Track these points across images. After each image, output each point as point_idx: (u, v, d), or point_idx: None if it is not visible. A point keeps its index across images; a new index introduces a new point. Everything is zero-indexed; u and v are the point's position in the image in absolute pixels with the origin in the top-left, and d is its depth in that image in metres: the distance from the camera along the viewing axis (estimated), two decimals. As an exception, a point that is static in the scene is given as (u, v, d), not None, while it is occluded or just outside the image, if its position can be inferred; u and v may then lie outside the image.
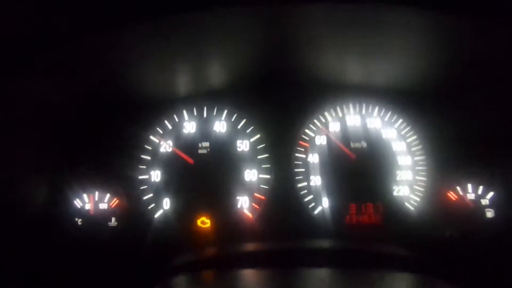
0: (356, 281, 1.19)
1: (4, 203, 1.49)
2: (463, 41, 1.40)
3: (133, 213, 1.77)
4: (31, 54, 1.23)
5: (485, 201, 1.78)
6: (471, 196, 1.79)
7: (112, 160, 1.80)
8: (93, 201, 1.78)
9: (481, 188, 1.79)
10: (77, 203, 1.77)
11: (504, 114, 1.72)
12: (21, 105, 1.47)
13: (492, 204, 1.78)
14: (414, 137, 1.84)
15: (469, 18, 1.24)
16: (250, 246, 1.47)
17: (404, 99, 1.86)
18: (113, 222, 1.77)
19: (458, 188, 1.80)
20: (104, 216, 1.77)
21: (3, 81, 1.27)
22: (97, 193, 1.78)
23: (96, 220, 1.76)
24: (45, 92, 1.53)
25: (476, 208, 1.77)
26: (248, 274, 1.20)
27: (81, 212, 1.76)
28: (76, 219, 1.76)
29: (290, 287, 1.13)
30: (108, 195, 1.78)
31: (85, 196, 1.78)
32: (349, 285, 1.19)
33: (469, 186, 1.80)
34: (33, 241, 1.64)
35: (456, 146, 1.80)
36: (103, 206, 1.78)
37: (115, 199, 1.78)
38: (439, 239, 1.67)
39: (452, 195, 1.79)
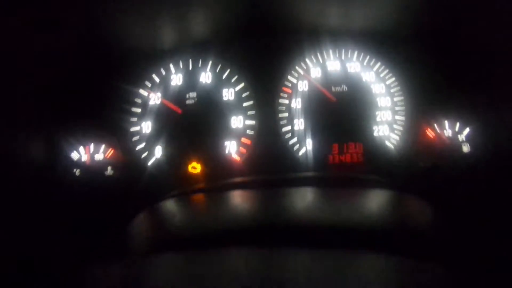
0: (336, 195, 1.28)
1: (4, 159, 1.59)
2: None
3: (128, 162, 1.87)
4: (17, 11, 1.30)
5: (461, 137, 1.87)
6: (448, 132, 1.88)
7: (105, 114, 1.88)
8: (89, 153, 1.87)
9: (457, 124, 1.88)
10: (74, 155, 1.87)
11: (473, 55, 1.79)
12: (14, 68, 1.55)
13: (468, 139, 1.86)
14: (393, 79, 1.91)
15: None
16: (236, 179, 1.57)
17: (382, 43, 1.92)
18: (109, 171, 1.87)
19: (435, 125, 1.88)
20: (100, 166, 1.86)
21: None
22: (92, 144, 1.88)
23: (92, 170, 1.85)
24: (35, 50, 1.60)
25: (453, 144, 1.86)
26: (235, 194, 1.30)
27: (78, 163, 1.86)
28: (74, 170, 1.86)
29: (276, 200, 1.22)
30: (103, 146, 1.88)
31: (81, 148, 1.87)
32: (329, 198, 1.28)
33: (446, 123, 1.88)
34: (34, 193, 1.74)
35: (433, 86, 1.87)
36: (98, 157, 1.87)
37: (110, 149, 1.88)
38: (416, 171, 1.77)
39: (430, 133, 1.88)
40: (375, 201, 1.18)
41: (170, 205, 1.26)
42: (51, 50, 1.66)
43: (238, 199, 1.25)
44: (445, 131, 1.88)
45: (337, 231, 0.81)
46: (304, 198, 1.16)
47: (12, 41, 1.48)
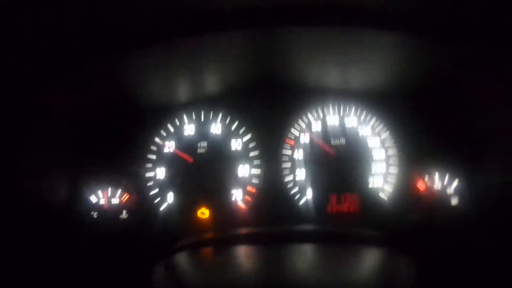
0: (334, 253, 1.43)
1: (30, 201, 1.74)
2: (421, 58, 1.67)
3: (142, 207, 2.02)
4: (59, 75, 1.49)
5: (450, 190, 2.02)
6: (438, 185, 2.03)
7: (123, 160, 2.05)
8: (106, 197, 2.03)
9: (447, 177, 2.03)
10: (93, 199, 2.03)
11: (463, 114, 1.96)
12: (45, 119, 1.74)
13: (457, 192, 2.01)
14: (387, 133, 2.08)
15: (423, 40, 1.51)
16: (242, 230, 1.72)
17: (377, 100, 2.09)
18: (124, 214, 2.01)
19: (426, 178, 2.04)
20: (116, 209, 2.01)
21: (37, 95, 1.54)
22: (110, 189, 2.04)
23: (109, 214, 2.00)
24: (67, 105, 1.79)
25: (442, 196, 2.01)
26: (241, 249, 1.45)
27: (96, 207, 2.01)
28: (92, 213, 2.01)
29: (278, 257, 1.37)
30: (119, 191, 2.03)
31: (99, 192, 2.03)
32: (327, 257, 1.43)
33: (436, 176, 2.04)
34: (55, 233, 1.89)
35: (425, 140, 2.04)
36: (115, 201, 2.02)
37: (126, 194, 2.03)
38: (408, 223, 1.92)
39: (421, 185, 2.03)
40: (369, 260, 1.33)
41: (182, 260, 1.41)
42: (78, 106, 1.84)
43: (243, 257, 1.40)
44: (435, 184, 2.03)
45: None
46: (304, 258, 1.31)
47: (48, 100, 1.67)
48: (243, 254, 1.47)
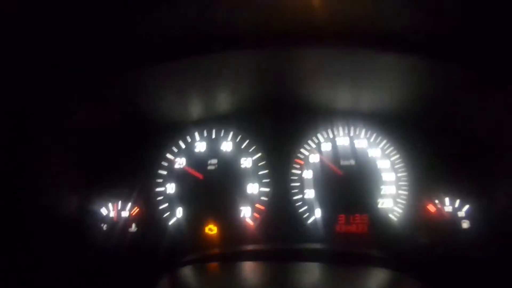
0: (341, 274, 1.41)
1: (42, 211, 1.78)
2: (432, 81, 1.70)
3: (151, 220, 2.04)
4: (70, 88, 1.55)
5: (461, 213, 1.99)
6: (448, 208, 2.00)
7: (134, 175, 2.09)
8: (116, 209, 2.06)
9: (457, 201, 2.01)
10: (103, 211, 2.05)
11: (474, 137, 1.97)
12: (59, 131, 1.79)
13: (468, 216, 1.99)
14: (397, 155, 2.08)
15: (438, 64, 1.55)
16: (249, 247, 1.72)
17: (388, 123, 2.11)
18: (133, 228, 2.04)
19: (437, 201, 2.02)
20: (126, 222, 2.04)
21: (52, 108, 1.59)
22: (120, 202, 2.07)
23: (118, 226, 2.03)
24: (80, 119, 1.85)
25: (453, 219, 1.98)
26: (248, 265, 1.45)
27: (106, 219, 2.04)
28: (101, 225, 2.04)
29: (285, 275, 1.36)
30: (129, 205, 2.06)
31: (109, 205, 2.06)
32: (333, 274, 1.41)
33: (447, 199, 2.02)
34: (64, 244, 1.91)
35: (435, 164, 2.03)
36: (125, 214, 2.05)
37: (136, 208, 2.06)
38: (417, 245, 1.89)
39: (431, 208, 2.01)
40: (376, 282, 1.31)
41: (188, 274, 1.41)
42: (91, 120, 1.90)
43: (250, 272, 1.39)
44: (445, 207, 2.01)
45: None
46: (311, 276, 1.30)
47: (63, 113, 1.73)
48: (250, 270, 1.46)
